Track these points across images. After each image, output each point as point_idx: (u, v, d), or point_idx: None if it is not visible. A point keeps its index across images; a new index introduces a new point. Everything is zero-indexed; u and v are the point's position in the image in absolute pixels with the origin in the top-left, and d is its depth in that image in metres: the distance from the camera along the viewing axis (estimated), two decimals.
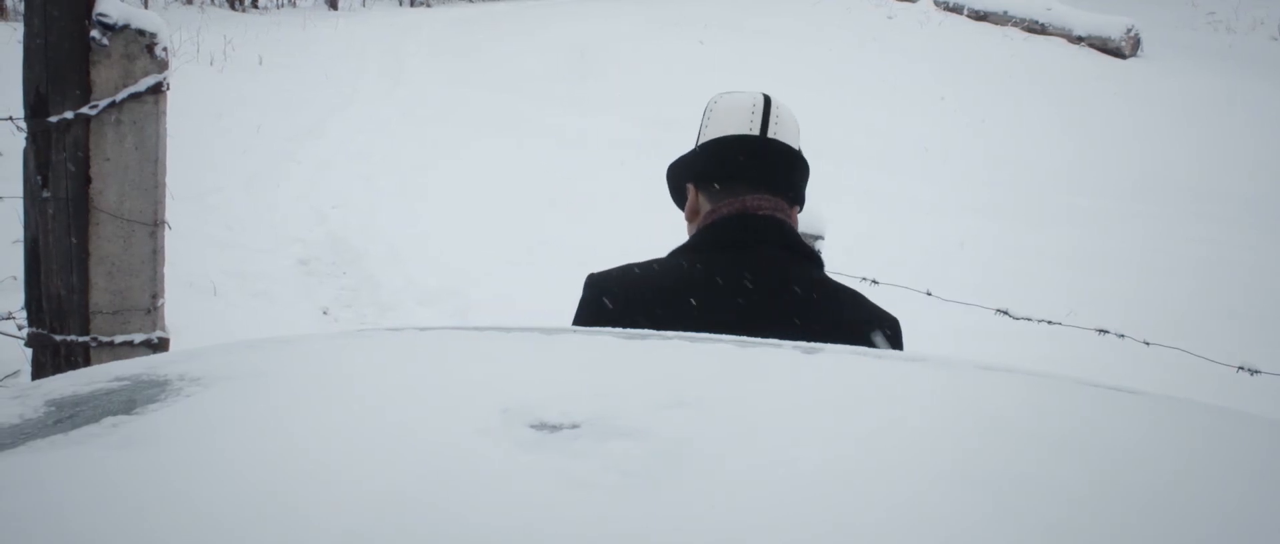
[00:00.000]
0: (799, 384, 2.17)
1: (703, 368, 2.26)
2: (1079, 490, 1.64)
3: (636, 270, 2.94)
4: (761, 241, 2.87)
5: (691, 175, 3.12)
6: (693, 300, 2.77)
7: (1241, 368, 5.09)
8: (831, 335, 2.58)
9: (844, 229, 7.44)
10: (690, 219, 3.13)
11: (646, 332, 2.54)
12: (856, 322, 2.93)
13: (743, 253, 2.85)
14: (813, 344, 2.39)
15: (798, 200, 3.11)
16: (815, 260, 3.04)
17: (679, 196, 3.23)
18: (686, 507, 1.50)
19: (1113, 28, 22.29)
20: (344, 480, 1.56)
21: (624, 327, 2.64)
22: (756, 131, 2.97)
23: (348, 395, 2.00)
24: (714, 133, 3.04)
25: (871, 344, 2.84)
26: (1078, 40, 22.55)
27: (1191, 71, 20.28)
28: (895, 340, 3.00)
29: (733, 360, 2.34)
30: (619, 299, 2.86)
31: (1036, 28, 23.30)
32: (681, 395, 1.96)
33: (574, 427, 1.78)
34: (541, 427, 1.78)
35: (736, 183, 2.97)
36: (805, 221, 5.45)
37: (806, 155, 3.24)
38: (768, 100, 3.03)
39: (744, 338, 2.51)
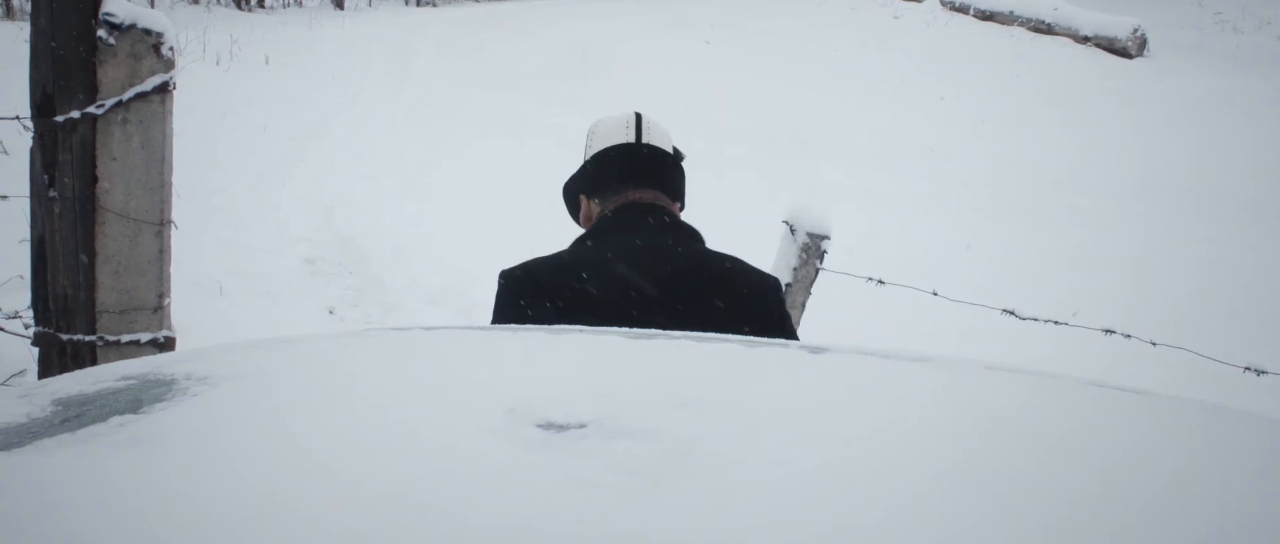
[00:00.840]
0: (804, 384, 2.17)
1: (708, 368, 2.26)
2: (1087, 490, 1.64)
3: (540, 261, 3.31)
4: (643, 223, 3.28)
5: (583, 187, 3.54)
6: (584, 274, 3.15)
7: (1248, 368, 5.08)
8: (735, 301, 3.17)
9: (848, 229, 7.45)
10: (585, 225, 3.53)
11: (653, 331, 2.54)
12: (752, 289, 3.30)
13: (626, 237, 3.24)
14: (818, 344, 2.39)
15: (677, 196, 3.51)
16: (697, 237, 3.41)
17: (574, 210, 3.63)
18: (692, 507, 1.50)
19: (1119, 28, 22.25)
20: (349, 480, 1.56)
21: (535, 310, 3.14)
22: (633, 140, 3.42)
23: (353, 395, 2.00)
24: (594, 147, 3.48)
25: (764, 306, 3.27)
26: (1084, 40, 22.51)
27: (1198, 72, 20.24)
28: (780, 301, 3.38)
29: (738, 361, 2.34)
30: (528, 286, 3.22)
31: (1043, 28, 23.26)
32: (687, 395, 1.96)
33: (580, 426, 1.78)
34: (547, 426, 1.78)
35: (621, 184, 3.40)
36: (811, 221, 5.45)
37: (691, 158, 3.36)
38: (639, 116, 3.47)
39: (749, 338, 2.53)
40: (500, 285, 3.30)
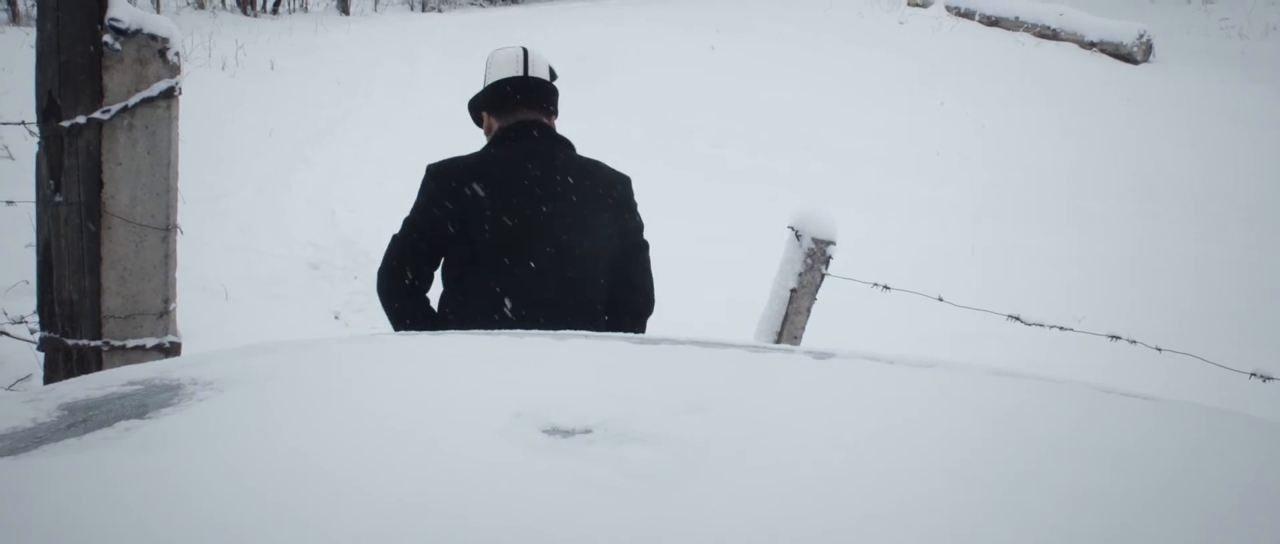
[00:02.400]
0: (810, 389, 2.17)
1: (714, 373, 2.25)
2: (1092, 494, 1.64)
3: (458, 158, 4.35)
4: (531, 135, 4.35)
5: (483, 106, 4.50)
6: (497, 167, 4.23)
7: (1254, 374, 5.08)
8: (596, 190, 4.29)
9: (853, 233, 7.45)
10: (486, 134, 4.52)
11: (658, 337, 2.54)
12: (610, 181, 4.39)
13: (520, 143, 4.32)
14: (824, 350, 2.39)
15: (554, 113, 4.50)
16: (569, 145, 4.44)
17: (477, 121, 4.61)
18: (700, 511, 1.50)
19: (1125, 33, 22.21)
20: (355, 485, 1.56)
21: (451, 196, 4.16)
22: (521, 73, 4.44)
23: (359, 400, 2.00)
24: (494, 76, 4.47)
25: (618, 193, 4.37)
26: (1090, 46, 22.48)
27: (1203, 77, 20.23)
28: (630, 191, 4.45)
29: (744, 365, 2.34)
30: (449, 176, 4.23)
31: (1048, 33, 23.22)
32: (693, 400, 1.96)
33: (586, 431, 1.78)
34: (554, 431, 1.78)
35: (511, 105, 4.40)
36: (816, 227, 5.44)
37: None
38: (525, 51, 4.50)
39: (755, 344, 2.54)
40: (427, 174, 4.30)
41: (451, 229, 4.13)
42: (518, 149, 4.28)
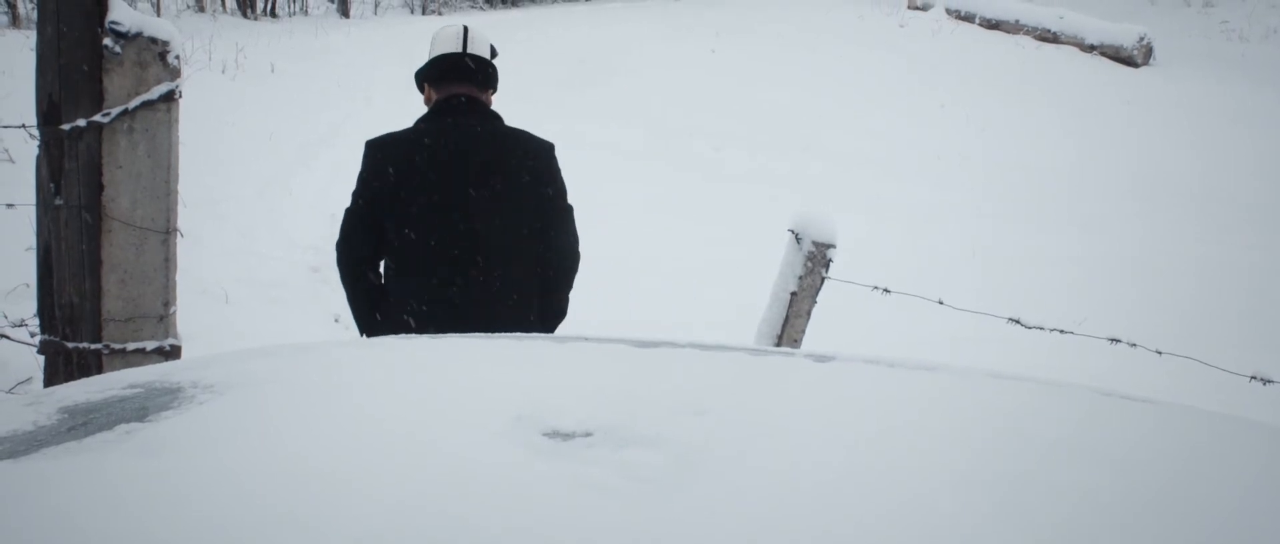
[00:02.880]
0: (811, 392, 2.17)
1: (714, 376, 2.25)
2: (1093, 498, 1.64)
3: (395, 132, 4.69)
4: (461, 108, 4.65)
5: (427, 79, 4.79)
6: (426, 141, 4.58)
7: (1254, 377, 5.07)
8: (523, 160, 4.64)
9: (854, 236, 7.45)
10: (426, 104, 4.81)
11: (658, 340, 2.54)
12: (534, 150, 4.70)
13: (450, 116, 4.63)
14: (824, 353, 2.39)
15: (489, 87, 4.83)
16: (497, 118, 4.74)
17: (421, 90, 4.87)
18: (700, 514, 1.50)
19: (1125, 36, 22.17)
20: (357, 488, 1.56)
21: (393, 164, 4.56)
22: (459, 50, 4.73)
23: (360, 403, 2.00)
24: (436, 51, 4.77)
25: (539, 161, 4.68)
26: (1090, 49, 22.44)
27: (1204, 80, 20.21)
28: (551, 159, 4.76)
29: (744, 368, 2.34)
30: (388, 148, 4.61)
31: (1048, 36, 23.18)
32: (694, 403, 1.96)
33: (587, 434, 1.78)
34: (554, 434, 1.78)
35: (449, 81, 4.71)
36: (817, 230, 5.44)
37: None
38: (465, 29, 4.80)
39: (755, 347, 2.54)
40: (366, 149, 4.67)
41: (390, 196, 4.53)
42: (447, 122, 4.63)
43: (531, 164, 4.66)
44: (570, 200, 4.82)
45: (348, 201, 4.64)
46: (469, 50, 4.74)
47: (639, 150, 14.51)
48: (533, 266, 4.69)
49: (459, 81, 4.71)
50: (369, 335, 4.61)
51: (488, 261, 4.53)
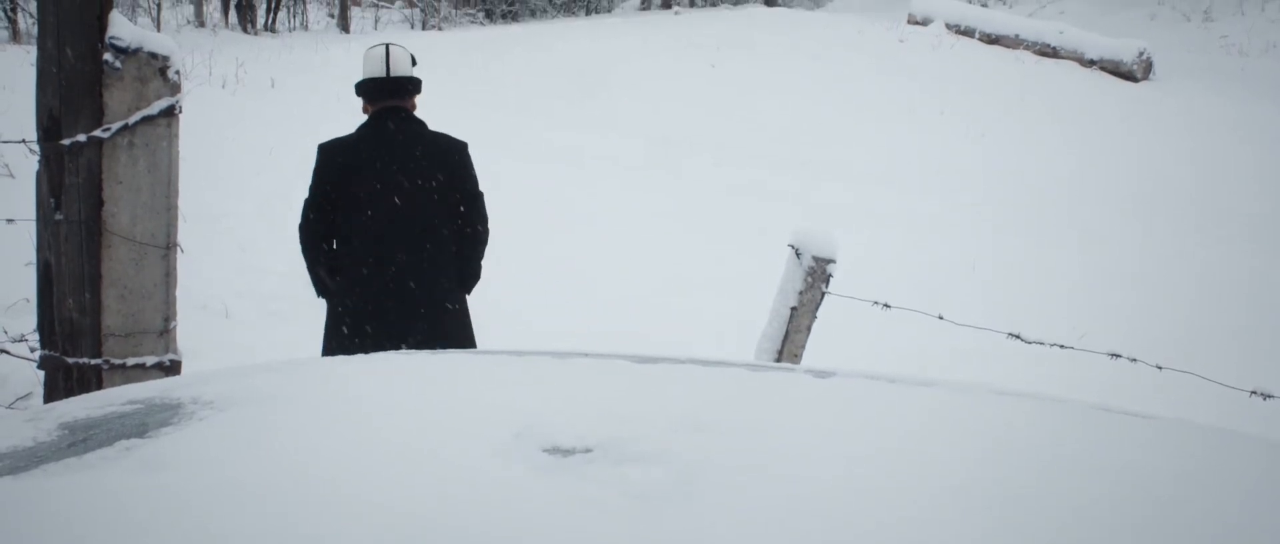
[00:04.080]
0: (812, 408, 2.17)
1: (714, 392, 2.25)
2: (1093, 513, 1.64)
3: (341, 137, 5.71)
4: (390, 118, 5.66)
5: (362, 95, 5.76)
6: (366, 143, 5.60)
7: (1254, 392, 5.07)
8: (439, 158, 5.68)
9: (853, 250, 7.45)
10: (365, 112, 5.76)
11: (658, 356, 2.54)
12: (450, 149, 5.77)
13: (382, 124, 5.65)
14: (824, 369, 2.39)
15: (412, 96, 5.83)
16: (422, 123, 5.82)
17: (361, 103, 5.80)
18: (701, 531, 1.50)
19: (1125, 51, 22.16)
20: (357, 506, 1.56)
21: (340, 165, 5.58)
22: (383, 73, 5.71)
23: (361, 419, 2.00)
24: (364, 74, 5.75)
25: (455, 157, 5.76)
26: (1090, 63, 22.44)
27: (1203, 94, 20.19)
28: (465, 156, 5.82)
29: (745, 385, 2.33)
30: (336, 151, 5.63)
31: (1048, 51, 23.18)
32: (694, 420, 1.96)
33: (587, 450, 1.78)
34: (554, 450, 1.78)
35: (378, 97, 5.71)
36: (816, 245, 5.45)
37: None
38: (387, 51, 5.80)
39: (755, 363, 2.54)
40: (319, 150, 5.72)
41: (337, 188, 5.60)
42: (381, 128, 5.66)
43: (450, 160, 5.79)
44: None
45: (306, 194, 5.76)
46: (392, 73, 5.76)
47: (639, 162, 14.51)
48: (451, 240, 5.79)
49: (386, 98, 5.73)
50: (322, 296, 5.89)
51: (416, 236, 5.64)
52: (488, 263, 6.03)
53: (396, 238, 5.60)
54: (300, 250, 5.90)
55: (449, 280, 5.78)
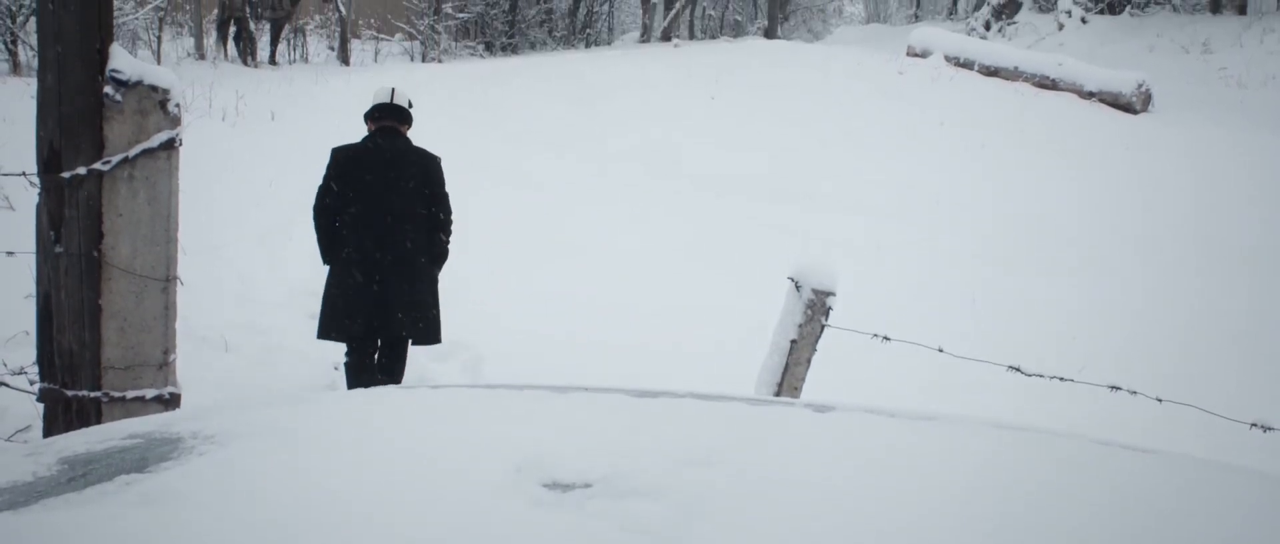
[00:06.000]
0: (811, 443, 2.16)
1: (714, 427, 2.25)
2: None
3: (351, 144, 7.53)
4: (387, 134, 7.49)
5: (369, 117, 7.60)
6: (368, 149, 7.38)
7: (1254, 424, 5.06)
8: (418, 165, 7.46)
9: (853, 282, 7.43)
10: (369, 129, 7.59)
11: (657, 390, 2.54)
12: (426, 159, 7.55)
13: (380, 138, 7.45)
14: (824, 403, 2.39)
15: (406, 122, 7.67)
16: (407, 140, 7.61)
17: (366, 122, 7.65)
18: None
19: (1124, 83, 22.15)
20: (359, 540, 1.55)
21: (340, 164, 7.36)
22: (388, 100, 7.59)
23: (362, 454, 2.00)
24: (373, 102, 7.60)
25: (429, 167, 7.49)
26: (1089, 95, 22.43)
27: (1202, 125, 20.19)
28: (437, 166, 7.58)
29: (744, 419, 2.33)
30: (347, 155, 7.40)
31: (1047, 83, 23.16)
32: (694, 454, 1.95)
33: (586, 486, 1.78)
34: (554, 485, 1.78)
35: (381, 117, 7.54)
36: (816, 278, 5.45)
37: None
38: (392, 90, 7.81)
39: (754, 397, 2.54)
40: (332, 152, 7.49)
41: (345, 180, 7.31)
42: (379, 141, 7.50)
43: (425, 166, 7.57)
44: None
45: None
46: (394, 102, 7.63)
47: (639, 194, 14.52)
48: (424, 225, 7.54)
49: (386, 119, 7.60)
50: (327, 261, 7.48)
51: (399, 221, 7.39)
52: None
53: (386, 221, 7.35)
54: (313, 226, 7.56)
55: (419, 249, 7.52)
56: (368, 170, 7.35)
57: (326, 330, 7.29)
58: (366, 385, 6.30)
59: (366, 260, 7.26)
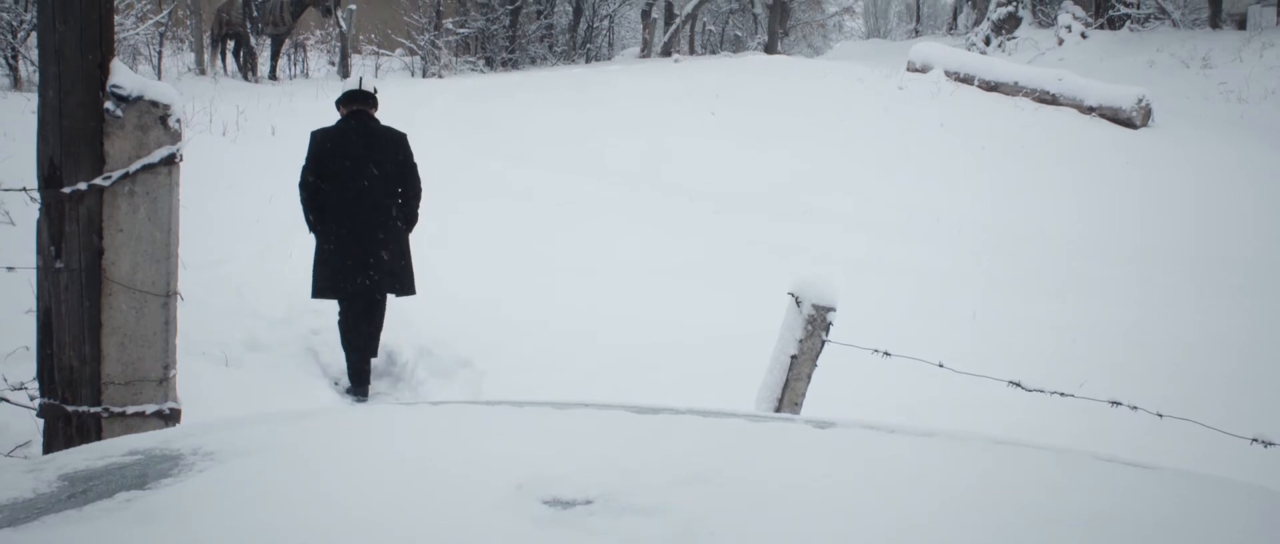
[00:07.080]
0: (812, 459, 2.16)
1: (715, 443, 2.25)
2: None
3: (325, 128, 8.70)
4: (359, 116, 8.70)
5: (340, 103, 8.77)
6: (342, 130, 8.62)
7: (1255, 439, 5.06)
8: (390, 141, 8.74)
9: (853, 297, 7.43)
10: (340, 114, 8.73)
11: (658, 406, 2.53)
12: (395, 136, 8.75)
13: (352, 120, 8.70)
14: (824, 419, 2.39)
15: (374, 105, 8.78)
16: (376, 121, 8.81)
17: (338, 109, 8.79)
18: None
19: (1124, 98, 22.16)
20: None
21: (319, 144, 8.62)
22: (357, 88, 8.81)
23: (361, 471, 2.00)
24: (343, 89, 8.92)
25: (399, 144, 8.75)
26: (1089, 110, 22.44)
27: (1202, 140, 20.20)
28: (406, 143, 8.81)
29: (745, 435, 2.33)
30: (323, 134, 8.59)
31: (1048, 98, 23.18)
32: (694, 471, 1.95)
33: (587, 502, 1.78)
34: (555, 502, 1.78)
35: (352, 102, 8.72)
36: (816, 293, 5.44)
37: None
38: (361, 79, 9.38)
39: (755, 413, 2.54)
40: (312, 135, 8.59)
41: (324, 157, 8.42)
42: (351, 122, 8.64)
43: (395, 142, 8.72)
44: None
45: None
46: (362, 88, 8.84)
47: (639, 211, 14.52)
48: (396, 194, 8.69)
49: (357, 103, 8.71)
50: (313, 231, 8.64)
51: (373, 191, 8.51)
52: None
53: (362, 192, 8.46)
54: (300, 200, 8.58)
55: (393, 214, 8.66)
56: (345, 148, 8.53)
57: (322, 291, 8.68)
58: (359, 335, 8.68)
59: (352, 228, 8.47)
